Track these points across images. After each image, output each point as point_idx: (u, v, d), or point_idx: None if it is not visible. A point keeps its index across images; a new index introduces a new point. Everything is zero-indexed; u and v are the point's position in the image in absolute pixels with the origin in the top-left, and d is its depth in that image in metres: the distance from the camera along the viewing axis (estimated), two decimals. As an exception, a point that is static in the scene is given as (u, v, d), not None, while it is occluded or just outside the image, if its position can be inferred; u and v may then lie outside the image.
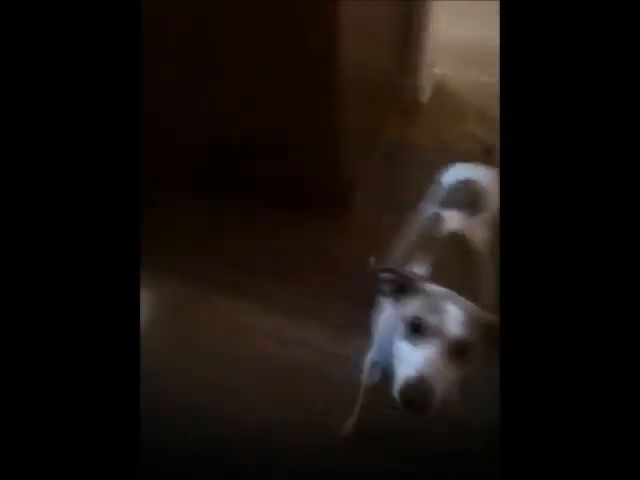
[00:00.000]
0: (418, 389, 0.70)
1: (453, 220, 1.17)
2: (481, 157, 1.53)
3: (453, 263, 1.08)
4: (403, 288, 0.85)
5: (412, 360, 0.73)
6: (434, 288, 0.83)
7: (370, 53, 1.95)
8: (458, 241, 1.13)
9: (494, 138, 1.39)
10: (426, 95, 2.61)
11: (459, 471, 1.39)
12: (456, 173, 1.37)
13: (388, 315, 0.99)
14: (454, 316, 0.75)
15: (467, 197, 1.24)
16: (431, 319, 0.75)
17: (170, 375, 1.59)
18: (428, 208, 1.28)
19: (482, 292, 1.03)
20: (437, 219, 1.19)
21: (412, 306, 0.79)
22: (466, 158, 1.47)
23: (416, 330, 0.75)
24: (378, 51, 2.10)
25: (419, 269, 1.01)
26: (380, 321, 1.07)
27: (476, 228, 1.18)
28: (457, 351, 0.74)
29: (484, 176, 1.33)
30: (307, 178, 1.94)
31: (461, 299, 0.81)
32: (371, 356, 1.10)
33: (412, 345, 0.75)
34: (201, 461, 1.42)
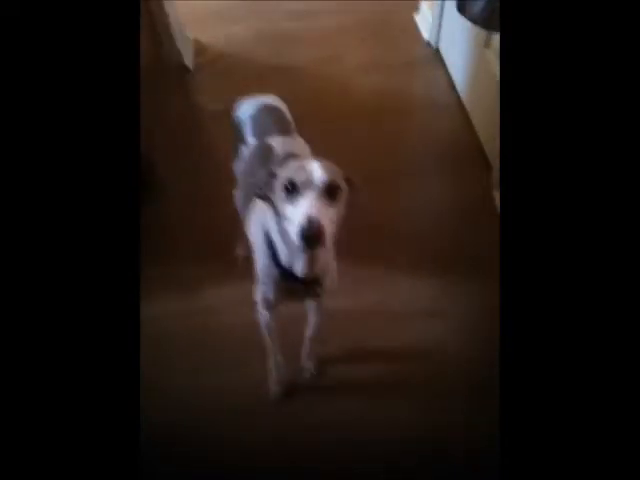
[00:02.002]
0: (311, 225, 0.84)
1: (282, 145, 1.33)
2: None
3: None
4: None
5: (297, 212, 0.88)
6: (294, 161, 0.98)
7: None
8: (294, 157, 1.24)
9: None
10: (188, 59, 2.79)
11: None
12: (246, 107, 1.50)
13: (256, 211, 1.20)
14: (317, 169, 0.91)
15: (276, 121, 1.43)
16: (300, 176, 0.90)
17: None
18: (247, 142, 1.42)
19: None
20: (267, 148, 1.33)
21: (283, 175, 0.93)
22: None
23: (292, 190, 0.90)
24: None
25: None
26: (252, 223, 1.24)
27: (299, 145, 1.39)
28: (328, 192, 0.90)
29: (269, 99, 1.52)
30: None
31: (318, 160, 0.95)
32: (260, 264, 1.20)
33: (293, 205, 0.90)
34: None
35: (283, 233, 1.00)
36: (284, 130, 1.41)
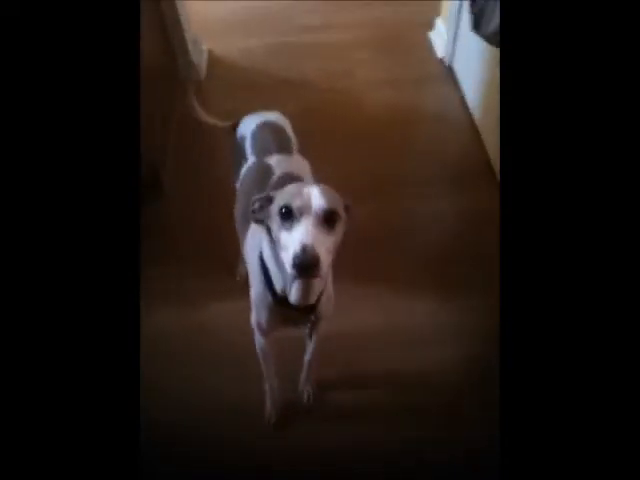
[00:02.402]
0: (306, 254, 0.79)
1: (280, 164, 1.31)
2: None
3: None
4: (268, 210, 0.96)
5: (292, 239, 0.83)
6: (292, 185, 0.95)
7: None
8: (292, 178, 1.23)
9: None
10: (201, 71, 2.82)
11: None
12: (248, 123, 1.49)
13: (253, 233, 1.17)
14: (314, 194, 0.86)
15: (276, 139, 1.40)
16: (297, 201, 0.85)
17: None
18: (248, 160, 1.40)
19: None
20: (265, 167, 1.31)
21: (279, 200, 0.89)
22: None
23: (288, 216, 0.86)
24: (145, 37, 2.09)
25: None
26: (248, 245, 1.21)
27: (298, 164, 1.36)
28: (325, 219, 0.85)
29: (272, 115, 1.50)
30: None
31: (317, 184, 0.92)
32: (254, 292, 1.16)
33: (289, 231, 0.85)
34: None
35: (277, 259, 0.96)
36: (284, 148, 1.38)
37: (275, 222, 0.89)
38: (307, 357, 1.48)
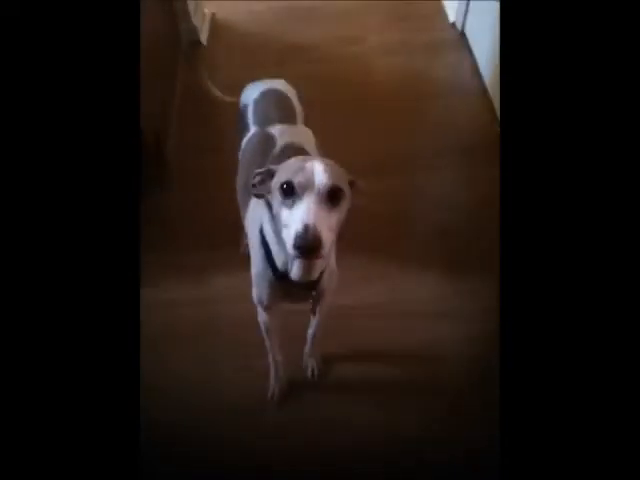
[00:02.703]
0: (307, 235, 0.77)
1: (284, 134, 1.27)
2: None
3: None
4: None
5: (294, 217, 0.81)
6: (294, 159, 0.91)
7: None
8: (294, 149, 1.21)
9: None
10: (203, 35, 2.76)
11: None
12: (251, 91, 1.45)
13: (254, 207, 1.13)
14: (317, 170, 0.83)
15: (280, 108, 1.36)
16: (300, 178, 0.82)
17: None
18: (250, 129, 1.36)
19: None
20: (268, 137, 1.27)
21: (281, 175, 0.86)
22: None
23: (289, 192, 0.83)
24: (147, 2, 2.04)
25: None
26: (250, 218, 1.18)
27: (302, 135, 1.32)
28: (328, 196, 0.82)
29: (277, 83, 1.46)
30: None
31: (320, 158, 0.89)
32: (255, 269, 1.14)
33: (290, 209, 0.83)
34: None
35: (278, 235, 0.93)
36: (288, 118, 1.34)
37: (276, 198, 0.86)
38: (310, 331, 1.47)
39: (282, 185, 0.84)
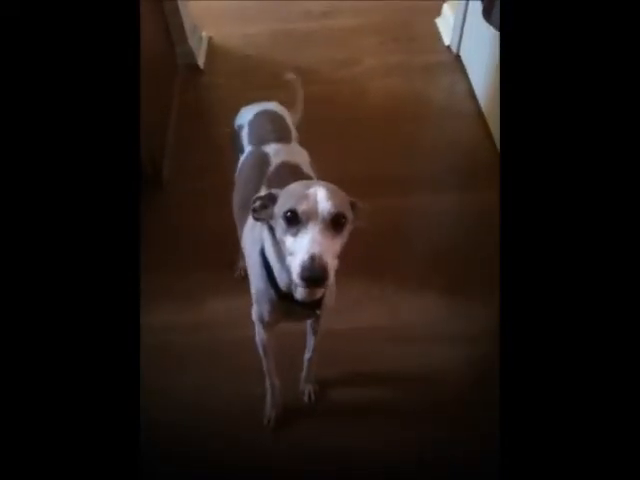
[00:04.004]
0: (314, 266, 0.77)
1: (278, 153, 1.28)
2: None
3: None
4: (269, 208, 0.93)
5: (299, 246, 0.81)
6: (296, 184, 0.91)
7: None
8: (290, 168, 1.24)
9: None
10: (201, 58, 2.79)
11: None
12: (246, 113, 1.47)
13: (252, 227, 1.13)
14: (321, 197, 0.83)
15: (274, 127, 1.37)
16: (303, 206, 0.82)
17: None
18: (245, 150, 1.37)
19: None
20: (263, 156, 1.28)
21: (284, 202, 0.86)
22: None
23: (294, 220, 0.83)
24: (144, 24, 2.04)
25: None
26: (247, 238, 1.18)
27: (296, 154, 1.33)
28: (332, 223, 0.83)
29: (270, 105, 1.48)
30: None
31: (322, 182, 0.89)
32: (254, 286, 1.14)
33: (295, 237, 0.83)
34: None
35: (280, 257, 0.93)
36: (282, 137, 1.35)
37: (279, 225, 0.86)
38: (307, 355, 1.46)
39: (286, 213, 0.83)
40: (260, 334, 1.28)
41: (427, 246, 1.93)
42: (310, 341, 1.42)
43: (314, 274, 0.78)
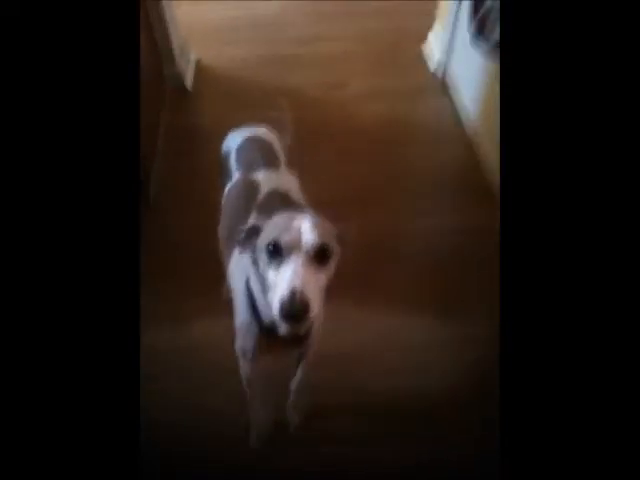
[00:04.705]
0: (294, 301, 0.73)
1: (268, 180, 1.25)
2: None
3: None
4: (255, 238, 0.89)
5: (280, 280, 0.77)
6: (280, 216, 0.87)
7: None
8: (280, 195, 1.21)
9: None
10: (189, 80, 2.76)
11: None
12: (233, 139, 1.43)
13: (239, 258, 1.07)
14: (305, 229, 0.79)
15: (262, 153, 1.34)
16: (286, 237, 0.79)
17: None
18: (233, 176, 1.33)
19: None
20: (251, 183, 1.25)
21: (267, 233, 0.83)
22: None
23: (276, 253, 0.79)
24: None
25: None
26: (233, 269, 1.13)
27: (286, 180, 1.30)
28: (316, 255, 0.79)
29: (259, 130, 1.44)
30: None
31: (306, 214, 0.85)
32: (239, 319, 1.10)
33: (277, 270, 0.79)
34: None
35: (265, 291, 0.87)
36: (271, 163, 1.32)
37: (262, 258, 0.82)
38: (293, 386, 1.41)
39: (268, 245, 0.80)
40: (244, 367, 1.23)
41: (415, 266, 1.92)
42: (297, 371, 1.36)
43: (294, 310, 0.73)
